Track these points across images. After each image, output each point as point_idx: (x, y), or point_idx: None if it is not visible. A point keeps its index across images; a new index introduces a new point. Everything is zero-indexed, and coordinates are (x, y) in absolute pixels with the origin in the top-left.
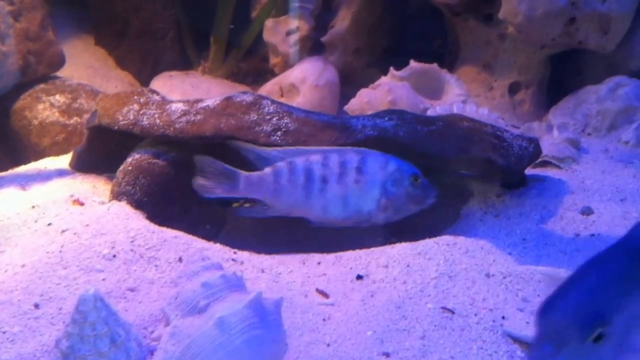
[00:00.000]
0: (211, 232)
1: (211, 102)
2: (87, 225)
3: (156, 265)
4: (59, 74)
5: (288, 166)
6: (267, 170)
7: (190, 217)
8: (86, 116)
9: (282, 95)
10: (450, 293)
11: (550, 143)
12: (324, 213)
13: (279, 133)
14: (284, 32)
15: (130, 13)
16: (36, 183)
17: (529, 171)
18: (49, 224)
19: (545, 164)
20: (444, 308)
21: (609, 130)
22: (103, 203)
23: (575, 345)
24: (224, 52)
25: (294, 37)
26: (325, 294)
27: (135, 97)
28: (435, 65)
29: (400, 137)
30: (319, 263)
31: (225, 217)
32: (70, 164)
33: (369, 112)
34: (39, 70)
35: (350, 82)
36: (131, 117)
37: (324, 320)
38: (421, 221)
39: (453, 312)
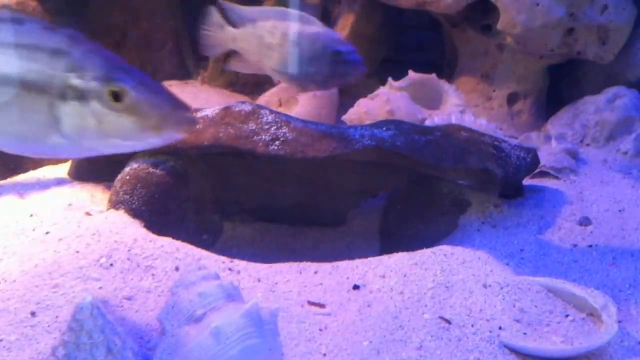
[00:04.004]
0: (208, 242)
1: (210, 111)
2: (85, 233)
3: (153, 274)
4: None
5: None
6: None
7: (187, 227)
8: None
9: (280, 105)
10: (447, 303)
11: (549, 153)
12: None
13: (277, 142)
14: None
15: (129, 23)
16: (34, 191)
17: (527, 181)
18: (47, 233)
19: (544, 174)
20: (441, 318)
21: (608, 141)
22: (101, 212)
23: None
24: (223, 61)
25: None
26: (319, 305)
27: None
28: (433, 76)
29: (398, 146)
30: (315, 272)
31: (222, 227)
32: (69, 173)
33: (367, 122)
34: None
35: (348, 92)
36: None
37: (320, 330)
38: (418, 231)
39: (450, 323)
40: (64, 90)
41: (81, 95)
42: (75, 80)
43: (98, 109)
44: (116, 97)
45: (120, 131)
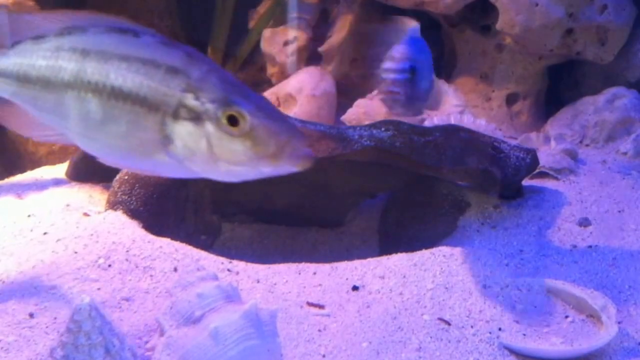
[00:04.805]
0: (206, 242)
1: None
2: (83, 234)
3: (151, 275)
4: None
5: None
6: None
7: (186, 227)
8: None
9: (279, 105)
10: (446, 304)
11: (548, 154)
12: None
13: None
14: (281, 42)
15: None
16: (32, 192)
17: (526, 182)
18: (45, 233)
19: (543, 175)
20: (440, 319)
21: (607, 142)
22: (99, 212)
23: None
24: (222, 61)
25: (292, 47)
26: (318, 306)
27: None
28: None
29: (396, 147)
30: (314, 273)
31: (221, 228)
32: (67, 173)
33: (366, 122)
34: None
35: (347, 92)
36: None
37: (319, 331)
38: (418, 232)
39: (449, 324)
40: (178, 109)
41: (196, 117)
42: (191, 101)
43: (212, 132)
44: (233, 121)
45: (232, 157)
